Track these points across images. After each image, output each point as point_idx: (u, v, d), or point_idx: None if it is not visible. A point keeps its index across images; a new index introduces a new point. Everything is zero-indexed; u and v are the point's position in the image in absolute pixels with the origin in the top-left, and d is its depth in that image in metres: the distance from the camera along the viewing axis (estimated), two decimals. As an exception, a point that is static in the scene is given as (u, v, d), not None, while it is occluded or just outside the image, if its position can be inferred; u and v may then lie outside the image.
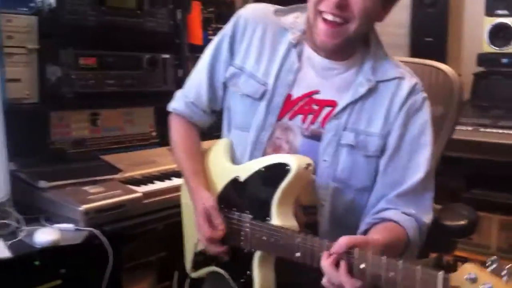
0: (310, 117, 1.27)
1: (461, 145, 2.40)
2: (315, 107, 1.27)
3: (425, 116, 1.29)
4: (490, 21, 2.96)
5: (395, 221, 1.21)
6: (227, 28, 1.39)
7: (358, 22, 1.21)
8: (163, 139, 2.21)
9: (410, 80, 1.29)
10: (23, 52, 1.79)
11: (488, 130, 2.56)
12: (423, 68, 1.73)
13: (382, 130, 1.26)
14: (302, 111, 1.28)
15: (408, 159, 1.26)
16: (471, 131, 2.57)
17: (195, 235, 1.34)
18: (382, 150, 1.26)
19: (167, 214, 1.74)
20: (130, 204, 1.65)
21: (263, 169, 1.24)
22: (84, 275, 1.53)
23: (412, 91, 1.27)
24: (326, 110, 1.27)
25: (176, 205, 1.75)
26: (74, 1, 1.87)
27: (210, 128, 1.53)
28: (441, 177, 1.69)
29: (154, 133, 2.22)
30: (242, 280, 1.24)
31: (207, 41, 2.55)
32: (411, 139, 1.27)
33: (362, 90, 1.26)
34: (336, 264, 1.02)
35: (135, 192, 1.70)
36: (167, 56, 2.19)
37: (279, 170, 1.19)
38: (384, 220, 1.22)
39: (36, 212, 1.61)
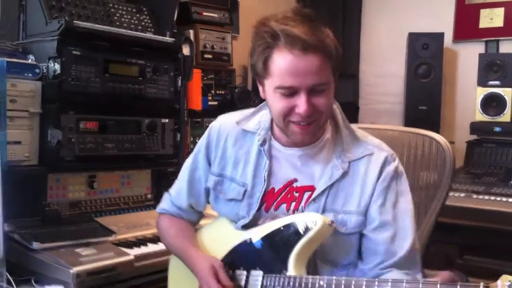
0: (293, 204, 1.35)
1: (455, 212, 2.41)
2: (296, 194, 1.35)
3: (401, 184, 1.34)
4: (483, 91, 3.05)
5: None
6: (202, 140, 1.50)
7: (326, 114, 1.31)
8: (158, 202, 2.21)
9: (379, 155, 1.35)
10: (25, 115, 1.84)
11: (481, 197, 2.58)
12: (416, 137, 1.76)
13: (358, 207, 1.32)
14: (285, 200, 1.36)
15: (394, 231, 1.30)
16: (464, 197, 2.59)
17: None
18: (362, 225, 1.32)
19: (158, 277, 1.73)
20: (122, 267, 1.65)
21: (283, 228, 1.29)
22: None
23: (383, 164, 1.34)
24: (307, 194, 1.34)
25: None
26: (79, 68, 1.92)
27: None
28: (435, 243, 1.68)
29: (149, 195, 2.24)
30: None
31: (206, 106, 2.64)
32: (392, 206, 1.32)
33: (337, 174, 1.32)
34: None
35: (127, 254, 1.70)
36: (166, 120, 2.24)
37: (304, 225, 1.25)
38: None
39: (28, 273, 1.61)
